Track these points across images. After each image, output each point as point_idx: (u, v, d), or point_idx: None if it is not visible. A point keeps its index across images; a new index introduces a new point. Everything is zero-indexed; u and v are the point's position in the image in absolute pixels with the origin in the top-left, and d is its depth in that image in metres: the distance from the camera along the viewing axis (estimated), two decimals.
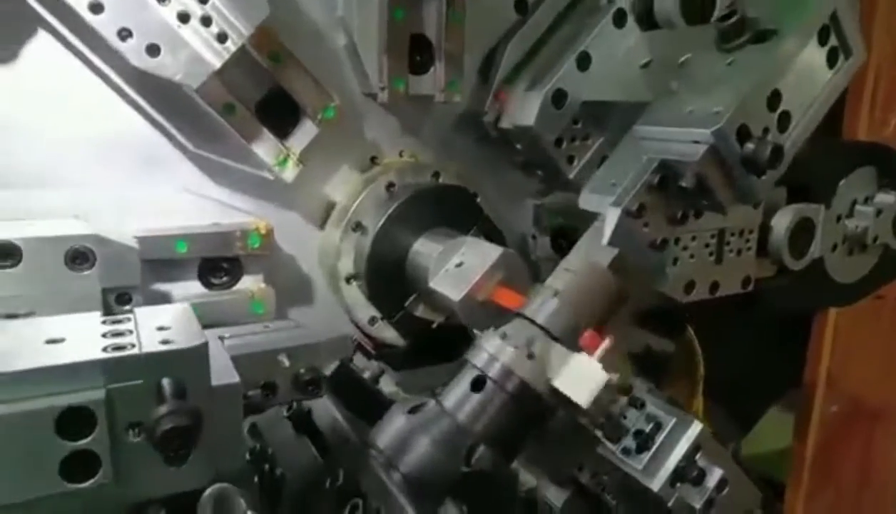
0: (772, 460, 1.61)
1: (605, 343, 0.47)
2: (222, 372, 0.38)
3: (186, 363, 0.35)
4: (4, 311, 0.46)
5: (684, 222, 0.58)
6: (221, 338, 0.45)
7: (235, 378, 0.38)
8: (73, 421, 0.32)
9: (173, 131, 0.62)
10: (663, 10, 0.70)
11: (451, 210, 0.72)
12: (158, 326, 0.38)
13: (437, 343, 0.75)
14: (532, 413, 0.50)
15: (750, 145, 0.49)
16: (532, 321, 0.51)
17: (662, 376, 1.10)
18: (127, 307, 0.49)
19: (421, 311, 0.71)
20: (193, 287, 0.64)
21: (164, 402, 0.34)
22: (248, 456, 0.45)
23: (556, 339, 0.49)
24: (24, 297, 0.47)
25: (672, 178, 0.52)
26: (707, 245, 0.81)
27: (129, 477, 0.34)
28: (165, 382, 0.34)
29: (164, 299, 0.62)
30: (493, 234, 0.74)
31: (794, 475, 1.46)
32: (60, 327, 0.37)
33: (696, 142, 0.49)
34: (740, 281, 0.88)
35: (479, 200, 0.76)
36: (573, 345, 0.49)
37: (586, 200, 0.56)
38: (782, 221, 0.88)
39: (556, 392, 0.48)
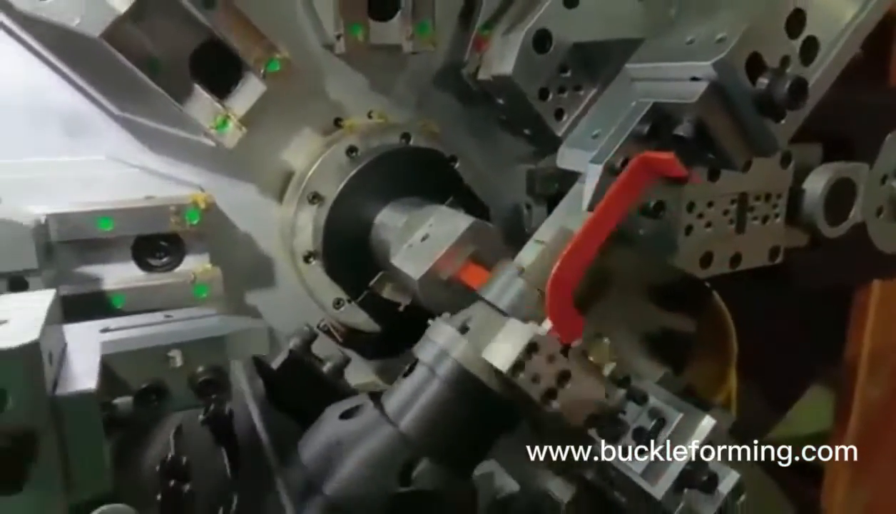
0: (808, 442, 1.52)
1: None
2: (76, 377, 0.31)
3: (8, 368, 0.27)
4: None
5: (684, 182, 0.48)
6: (106, 330, 0.37)
7: (89, 385, 0.30)
8: None
9: (96, 94, 0.54)
10: None
11: (423, 177, 0.63)
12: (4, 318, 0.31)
13: (416, 327, 0.67)
14: (493, 418, 0.42)
15: (764, 80, 0.38)
16: (492, 306, 0.42)
17: (683, 361, 1.00)
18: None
19: (389, 291, 0.63)
20: (129, 270, 0.57)
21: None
22: (157, 468, 0.38)
23: None
24: None
25: (666, 125, 0.41)
26: (727, 212, 0.72)
27: None
28: None
29: (96, 282, 0.55)
30: (472, 204, 0.65)
31: (833, 465, 1.35)
32: None
33: (695, 78, 0.39)
34: (767, 252, 0.78)
35: (456, 165, 0.66)
36: None
37: (564, 157, 0.46)
38: (817, 183, 0.77)
39: (509, 385, 0.40)
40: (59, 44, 0.51)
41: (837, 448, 1.34)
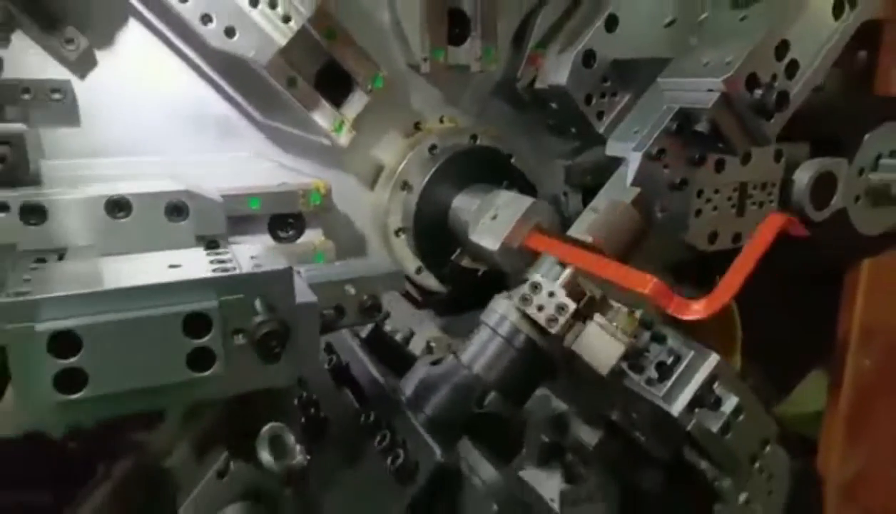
0: (810, 420, 1.63)
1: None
2: (303, 293, 0.46)
3: (276, 283, 0.43)
4: (119, 252, 0.56)
5: (701, 165, 0.63)
6: (298, 272, 0.53)
7: (313, 298, 0.46)
8: (195, 324, 0.41)
9: (245, 104, 0.70)
10: None
11: (488, 169, 0.79)
12: (251, 256, 0.47)
13: (477, 289, 0.83)
14: (539, 365, 0.57)
15: (759, 91, 0.54)
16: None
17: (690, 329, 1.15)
18: None
19: (468, 262, 0.79)
20: (265, 240, 0.73)
21: (259, 313, 0.43)
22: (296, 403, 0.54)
23: None
24: (134, 241, 0.56)
25: (689, 123, 0.57)
26: (729, 198, 0.86)
27: (235, 372, 0.43)
28: (259, 298, 0.43)
29: None
30: (526, 189, 0.81)
31: (827, 432, 1.48)
32: (176, 257, 0.46)
33: (710, 90, 0.55)
34: None
35: (513, 160, 0.82)
36: None
37: (612, 148, 0.62)
38: (804, 175, 0.91)
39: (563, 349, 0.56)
40: (225, 67, 0.67)
41: (831, 417, 1.47)
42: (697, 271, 1.18)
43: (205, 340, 0.41)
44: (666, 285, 0.53)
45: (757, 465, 1.04)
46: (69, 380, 0.39)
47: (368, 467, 0.50)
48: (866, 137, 0.98)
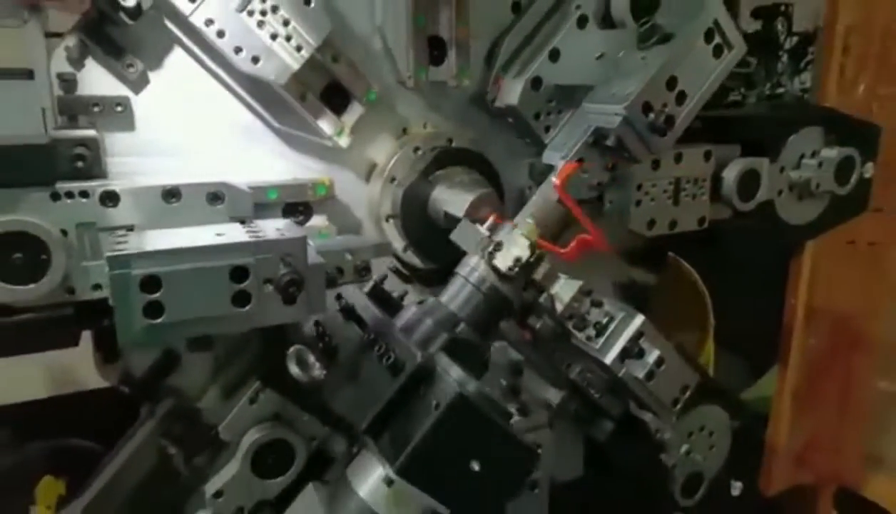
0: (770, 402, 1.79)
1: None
2: (313, 257, 0.65)
3: (295, 247, 0.62)
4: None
5: (613, 170, 0.82)
6: (309, 242, 0.71)
7: (321, 260, 0.64)
8: (238, 274, 0.60)
9: (265, 115, 0.88)
10: (618, 12, 0.92)
11: (462, 166, 0.97)
12: (276, 228, 0.66)
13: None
14: (499, 305, 0.75)
15: (652, 115, 0.72)
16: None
17: (644, 304, 1.33)
18: None
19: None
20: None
21: (282, 268, 0.61)
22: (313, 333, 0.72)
23: None
24: (183, 220, 0.75)
25: (602, 138, 0.76)
26: (665, 191, 1.04)
27: (264, 310, 0.62)
28: (283, 257, 0.61)
29: None
30: (494, 183, 0.99)
31: (777, 405, 1.64)
32: (221, 228, 0.64)
33: (616, 114, 0.73)
34: (696, 220, 1.09)
35: (484, 156, 1.00)
36: None
37: (547, 157, 0.81)
38: (731, 172, 1.08)
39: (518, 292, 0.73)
40: (250, 85, 0.86)
41: (780, 392, 1.63)
42: (652, 256, 1.36)
43: (244, 285, 0.60)
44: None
45: (701, 428, 1.24)
46: (152, 309, 0.57)
47: (369, 367, 0.67)
48: (790, 139, 1.13)
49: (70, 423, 1.17)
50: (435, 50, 0.93)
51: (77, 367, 1.36)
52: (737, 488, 1.40)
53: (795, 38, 1.84)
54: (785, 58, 1.85)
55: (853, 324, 1.60)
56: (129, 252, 0.56)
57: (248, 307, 0.60)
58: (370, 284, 0.81)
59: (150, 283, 0.56)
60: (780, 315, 1.65)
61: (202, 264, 0.58)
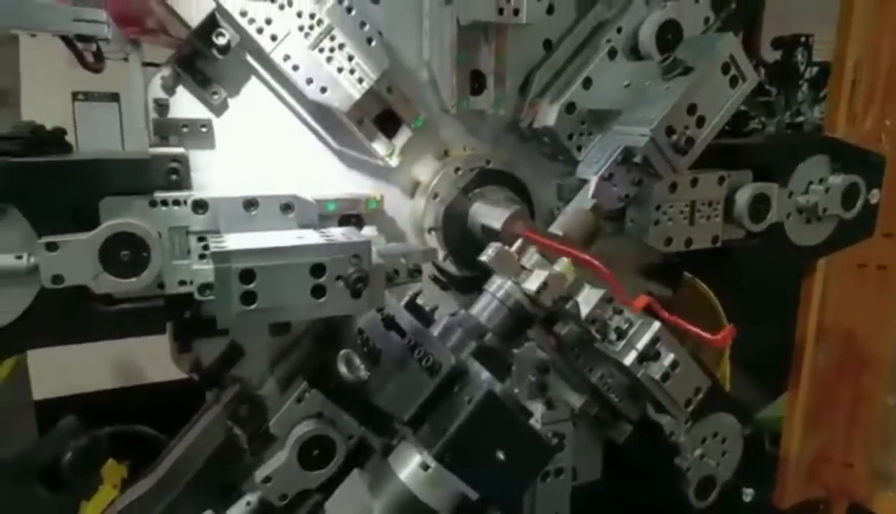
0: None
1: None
2: (375, 258, 0.75)
3: (361, 249, 0.72)
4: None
5: (640, 185, 0.92)
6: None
7: (382, 261, 0.75)
8: (316, 270, 0.70)
9: (327, 137, 1.00)
10: (644, 46, 1.03)
11: (497, 185, 1.08)
12: (342, 233, 0.76)
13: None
14: (523, 319, 0.84)
15: (674, 137, 0.83)
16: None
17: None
18: None
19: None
20: None
21: (351, 267, 0.71)
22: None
23: None
24: (259, 227, 0.86)
25: (630, 157, 0.86)
26: (682, 212, 1.13)
27: (336, 302, 0.72)
28: (352, 257, 0.72)
29: None
30: (525, 201, 1.09)
31: (788, 420, 1.71)
32: (300, 233, 0.75)
33: (643, 135, 0.84)
34: (710, 238, 1.19)
35: (517, 177, 1.11)
36: None
37: (581, 171, 0.91)
38: (743, 195, 1.17)
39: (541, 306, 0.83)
40: (315, 111, 0.97)
41: (792, 408, 1.70)
42: (667, 272, 1.45)
43: (321, 280, 0.70)
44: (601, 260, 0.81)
45: (714, 434, 1.32)
46: (247, 298, 0.68)
47: (409, 369, 0.77)
48: (799, 166, 1.23)
49: (132, 413, 1.28)
50: (475, 82, 1.04)
51: (140, 361, 1.47)
52: (748, 494, 1.47)
53: (815, 68, 1.92)
54: (805, 87, 1.93)
55: (862, 343, 1.67)
56: (229, 249, 0.67)
57: (323, 299, 0.70)
58: (406, 298, 0.90)
59: (247, 275, 0.67)
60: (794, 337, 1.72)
61: (289, 260, 0.68)
